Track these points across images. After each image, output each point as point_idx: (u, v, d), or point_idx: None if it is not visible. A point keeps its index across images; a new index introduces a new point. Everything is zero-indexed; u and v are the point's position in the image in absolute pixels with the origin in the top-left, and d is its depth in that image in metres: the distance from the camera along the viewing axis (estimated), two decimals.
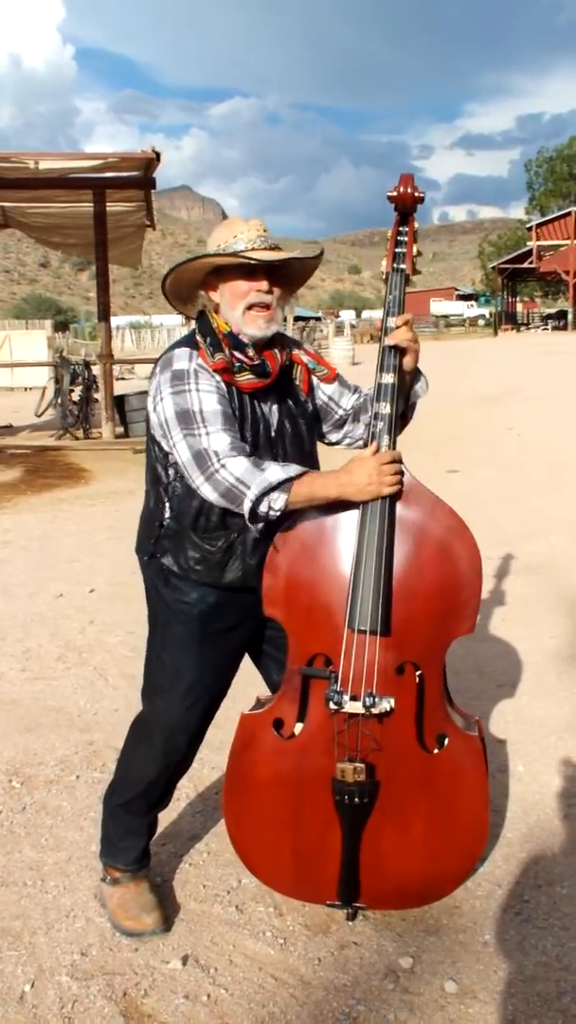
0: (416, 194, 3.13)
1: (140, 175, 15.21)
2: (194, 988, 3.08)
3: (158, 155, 14.17)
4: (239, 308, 3.07)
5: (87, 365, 18.72)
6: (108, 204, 15.94)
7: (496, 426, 16.75)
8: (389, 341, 3.08)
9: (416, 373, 3.25)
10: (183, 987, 3.09)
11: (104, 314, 17.03)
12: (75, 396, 18.02)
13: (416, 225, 3.19)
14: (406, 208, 3.16)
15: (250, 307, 3.07)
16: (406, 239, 3.17)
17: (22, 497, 11.90)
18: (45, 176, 14.62)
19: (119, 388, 18.51)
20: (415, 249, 3.18)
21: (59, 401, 18.29)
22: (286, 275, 3.20)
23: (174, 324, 72.62)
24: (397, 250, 3.18)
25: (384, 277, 3.20)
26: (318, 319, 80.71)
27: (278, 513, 2.97)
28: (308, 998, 3.03)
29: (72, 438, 17.06)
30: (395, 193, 3.13)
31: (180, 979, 3.12)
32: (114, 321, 23.10)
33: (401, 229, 3.18)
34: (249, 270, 3.06)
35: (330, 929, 3.35)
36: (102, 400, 17.02)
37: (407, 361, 3.12)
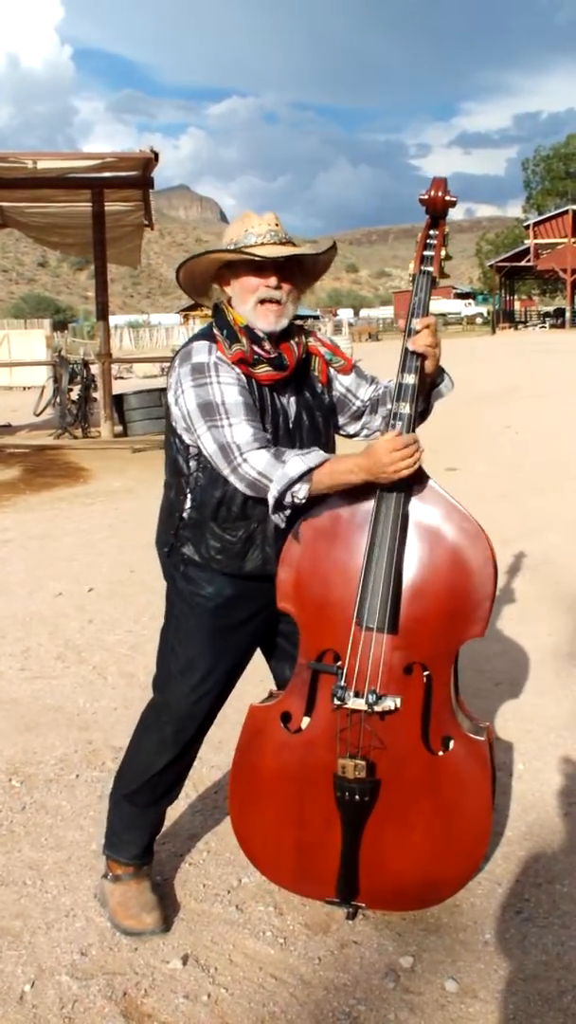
0: (448, 198, 3.11)
1: (138, 175, 15.21)
2: (194, 988, 3.08)
3: (156, 155, 14.16)
4: (249, 303, 3.10)
5: (86, 364, 18.71)
6: (106, 204, 15.93)
7: (494, 424, 16.75)
8: (412, 346, 3.07)
9: (439, 372, 3.25)
10: (183, 987, 3.08)
11: (102, 313, 17.03)
12: (74, 395, 18.01)
13: (447, 230, 3.17)
14: (437, 212, 3.14)
15: (260, 302, 3.09)
16: (435, 242, 3.15)
17: (21, 496, 11.89)
18: (43, 176, 14.62)
19: (118, 387, 18.50)
20: (443, 253, 3.17)
21: (58, 400, 18.27)
22: (299, 270, 3.21)
23: (172, 323, 72.68)
24: (425, 253, 3.16)
25: (411, 278, 3.19)
26: (316, 317, 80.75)
27: (303, 501, 3.00)
28: (308, 998, 3.03)
29: (71, 437, 17.04)
30: (426, 197, 3.11)
31: (180, 979, 3.12)
32: (112, 320, 23.10)
33: (431, 232, 3.16)
34: (258, 266, 3.07)
35: (330, 928, 3.35)
36: (101, 399, 17.01)
37: (427, 365, 3.12)
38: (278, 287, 3.09)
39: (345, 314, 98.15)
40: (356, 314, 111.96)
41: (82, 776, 4.49)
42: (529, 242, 75.11)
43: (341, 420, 3.45)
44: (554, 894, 3.52)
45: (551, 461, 12.81)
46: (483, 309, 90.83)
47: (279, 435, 3.15)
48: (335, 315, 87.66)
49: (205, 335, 3.16)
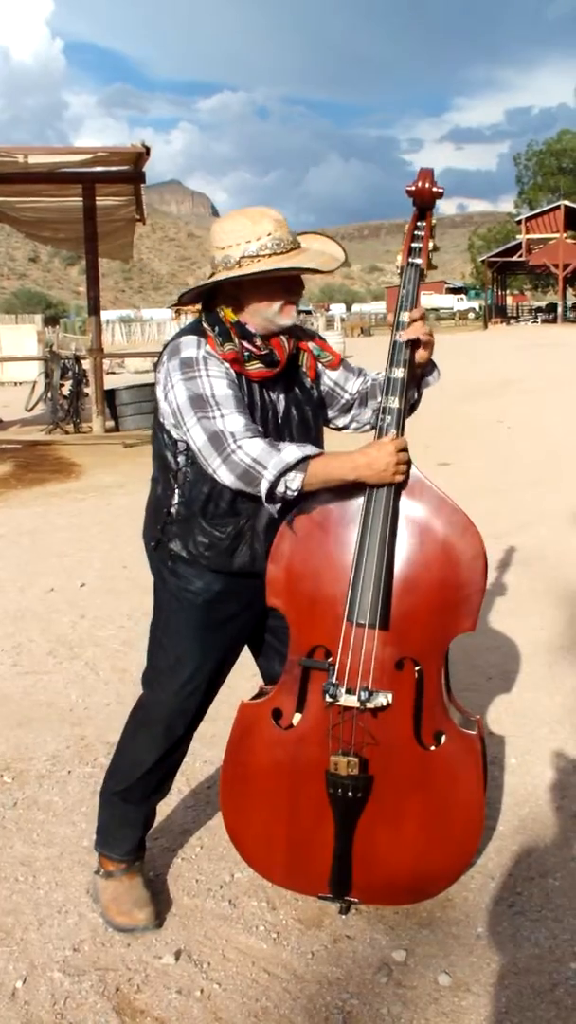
0: (435, 189, 3.10)
1: (130, 169, 15.20)
2: (187, 983, 3.07)
3: (148, 149, 14.15)
4: (275, 307, 3.09)
5: (77, 359, 18.71)
6: (98, 198, 15.92)
7: (486, 419, 16.76)
8: (406, 336, 3.06)
9: (430, 364, 3.25)
10: (176, 982, 3.08)
11: (94, 308, 17.02)
12: (65, 390, 18.00)
13: (434, 220, 3.17)
14: (424, 203, 3.13)
15: (284, 304, 3.10)
16: (423, 234, 3.15)
17: (12, 491, 11.87)
18: (34, 170, 14.59)
19: (109, 382, 18.50)
20: (431, 244, 3.16)
21: (49, 395, 18.27)
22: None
23: (164, 318, 72.49)
24: (413, 244, 3.15)
25: (399, 271, 3.18)
26: (308, 312, 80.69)
27: (295, 493, 2.97)
28: (301, 992, 3.03)
29: (62, 432, 17.04)
30: (413, 188, 3.10)
31: (173, 974, 3.12)
32: (104, 315, 23.07)
33: (419, 224, 3.15)
34: (292, 279, 3.09)
35: (323, 923, 3.35)
36: (92, 394, 17.02)
37: (422, 354, 3.12)
38: (301, 290, 3.14)
39: (337, 309, 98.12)
40: (348, 309, 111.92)
41: (74, 772, 4.48)
42: (521, 237, 75.07)
43: (330, 413, 3.45)
44: (546, 888, 3.52)
45: (543, 455, 12.81)
46: (475, 304, 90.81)
47: (267, 430, 3.14)
48: (327, 310, 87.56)
49: (194, 329, 3.14)
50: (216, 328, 3.09)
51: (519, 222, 78.58)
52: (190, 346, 3.08)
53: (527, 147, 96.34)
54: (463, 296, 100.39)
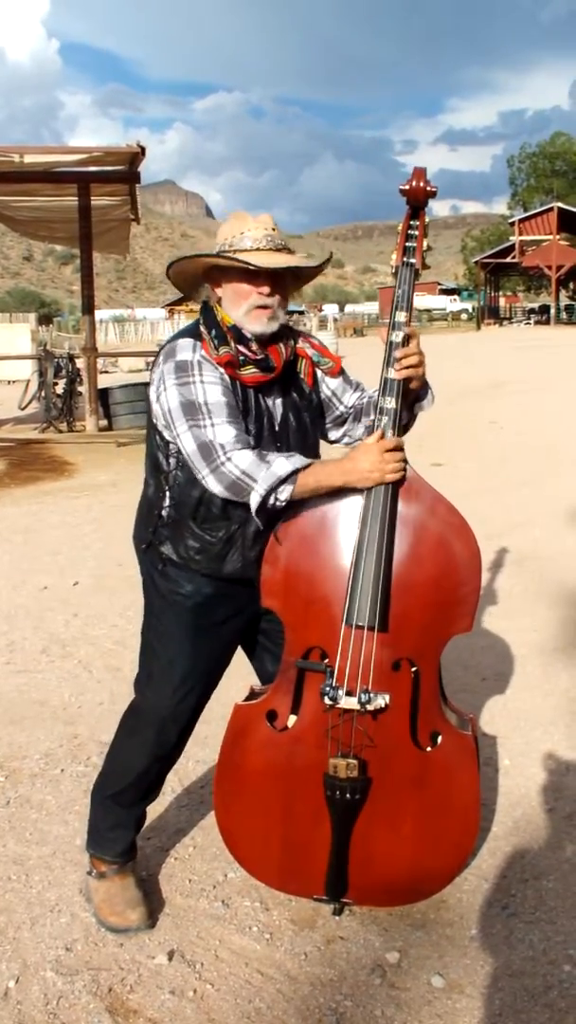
0: (428, 188, 3.10)
1: (125, 169, 15.19)
2: (180, 983, 3.06)
3: (143, 149, 14.14)
4: (242, 308, 3.06)
5: (71, 358, 18.69)
6: (93, 198, 15.91)
7: (479, 420, 16.76)
8: (397, 376, 3.05)
9: (423, 387, 3.23)
10: (169, 982, 3.07)
11: (88, 307, 17.01)
12: (59, 389, 17.99)
13: (427, 220, 3.16)
14: (417, 202, 3.13)
15: (253, 307, 3.06)
16: (416, 233, 3.14)
17: (5, 490, 11.85)
18: (30, 170, 14.56)
19: (103, 381, 18.48)
20: (425, 243, 3.16)
21: (43, 394, 18.24)
22: (290, 277, 3.18)
23: (157, 318, 72.49)
24: (407, 244, 3.14)
25: (393, 271, 3.17)
26: (301, 312, 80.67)
27: (283, 503, 2.97)
28: (295, 993, 3.02)
29: (56, 431, 17.02)
30: (407, 187, 3.10)
31: (166, 974, 3.11)
32: (98, 314, 23.04)
33: (412, 223, 3.15)
34: (251, 273, 3.03)
35: (316, 924, 3.34)
36: (86, 393, 17.01)
37: (413, 386, 3.12)
38: (270, 295, 3.06)
39: (330, 309, 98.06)
40: (341, 310, 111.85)
41: (67, 770, 4.47)
42: (514, 238, 75.15)
43: (325, 424, 3.43)
44: (540, 890, 3.52)
45: (536, 456, 12.82)
46: (468, 305, 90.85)
47: (264, 436, 3.11)
48: (320, 311, 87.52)
49: (191, 332, 3.12)
50: (212, 331, 3.07)
51: (512, 224, 78.68)
52: (185, 349, 3.06)
53: (521, 149, 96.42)
54: (456, 297, 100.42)
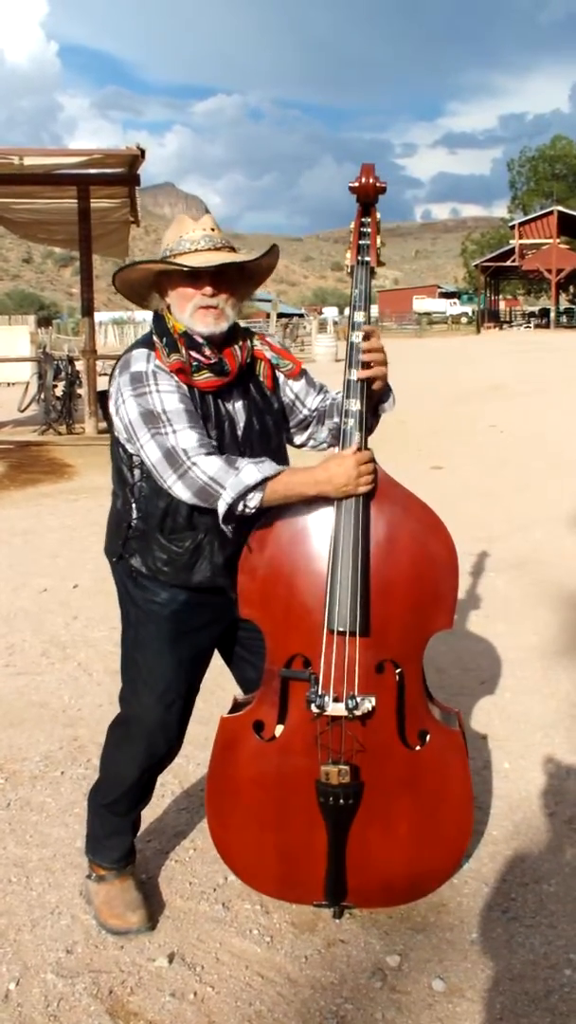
0: (378, 184, 3.07)
1: (125, 171, 15.20)
2: (180, 986, 3.06)
3: (143, 152, 14.14)
4: (187, 310, 3.04)
5: (70, 360, 18.68)
6: (92, 200, 15.91)
7: (479, 423, 16.76)
8: (361, 375, 3.03)
9: (385, 390, 3.21)
10: (169, 985, 3.07)
11: (87, 310, 17.01)
12: (58, 391, 17.97)
13: (378, 216, 3.13)
14: (368, 199, 3.10)
15: (197, 308, 3.03)
16: (369, 231, 3.12)
17: (5, 492, 11.84)
18: (29, 172, 14.57)
19: (102, 383, 18.42)
20: (379, 240, 3.14)
21: (42, 396, 18.24)
22: (238, 276, 3.13)
23: None
24: (361, 242, 3.11)
25: (348, 271, 3.15)
26: (301, 316, 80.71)
27: (252, 511, 2.95)
28: (295, 996, 3.02)
29: (55, 433, 17.00)
30: (356, 184, 3.07)
31: (166, 977, 3.11)
32: (97, 317, 23.02)
33: (364, 220, 3.12)
34: (192, 275, 3.01)
35: (317, 927, 3.34)
36: (85, 395, 17.00)
37: (376, 386, 3.10)
38: (214, 295, 3.02)
39: (330, 312, 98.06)
40: (341, 312, 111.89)
41: (67, 773, 4.47)
42: (514, 242, 75.16)
43: (289, 428, 3.41)
44: (540, 893, 3.52)
45: (536, 459, 12.82)
46: (468, 309, 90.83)
47: (226, 441, 3.09)
48: (320, 313, 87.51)
49: (144, 343, 3.11)
50: (164, 339, 3.05)
51: (512, 227, 78.69)
52: (139, 360, 3.04)
53: (521, 152, 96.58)
54: (456, 300, 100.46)
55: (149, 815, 3.64)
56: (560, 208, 72.91)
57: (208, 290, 3.01)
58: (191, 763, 4.39)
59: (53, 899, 3.53)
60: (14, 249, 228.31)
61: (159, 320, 3.13)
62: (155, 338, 3.08)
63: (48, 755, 4.66)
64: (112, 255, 20.91)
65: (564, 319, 74.79)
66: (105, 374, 28.16)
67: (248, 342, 3.23)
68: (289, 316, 74.77)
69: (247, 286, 3.23)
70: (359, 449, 3.01)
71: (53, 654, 6.06)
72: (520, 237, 74.43)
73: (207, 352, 3.06)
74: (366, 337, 3.04)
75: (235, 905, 3.47)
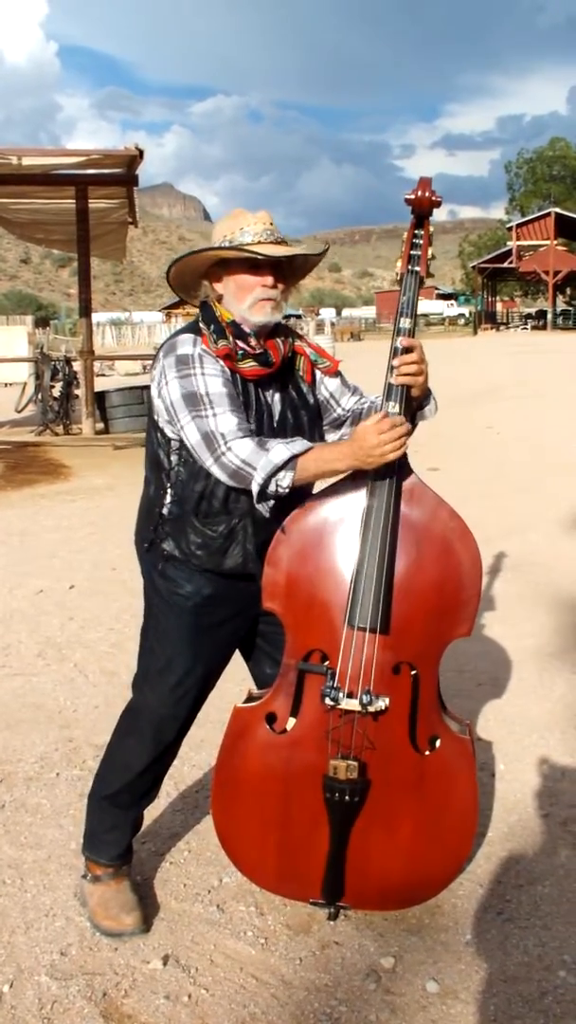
0: (433, 198, 3.11)
1: (123, 172, 15.21)
2: (175, 988, 3.06)
3: (141, 152, 14.16)
4: (247, 301, 3.09)
5: (68, 361, 18.69)
6: (91, 200, 15.91)
7: (476, 425, 16.77)
8: (395, 381, 3.04)
9: (426, 396, 3.22)
10: (164, 987, 3.06)
11: (85, 310, 17.03)
12: (55, 392, 17.98)
13: (431, 229, 3.17)
14: (423, 211, 3.14)
15: (258, 299, 3.09)
16: (422, 242, 3.15)
17: (1, 492, 11.84)
18: (28, 172, 14.57)
19: (99, 384, 18.48)
20: (430, 252, 3.17)
21: (39, 397, 18.25)
22: (290, 269, 3.22)
23: (154, 321, 72.56)
24: (412, 252, 3.15)
25: (398, 279, 3.18)
26: (298, 317, 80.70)
27: (286, 491, 2.97)
28: (289, 998, 3.01)
29: (52, 434, 17.02)
30: (412, 196, 3.11)
31: (161, 979, 3.10)
32: (95, 317, 23.06)
33: (417, 232, 3.16)
34: (254, 264, 3.07)
35: (311, 929, 3.34)
36: (82, 396, 17.00)
37: (414, 393, 3.10)
38: (274, 286, 3.10)
39: (327, 313, 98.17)
40: (338, 314, 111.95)
41: (62, 774, 4.46)
42: (512, 244, 75.34)
43: (322, 426, 3.43)
44: (535, 895, 3.52)
45: (532, 461, 12.84)
46: (465, 310, 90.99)
47: (263, 431, 3.13)
48: (317, 314, 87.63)
49: (191, 328, 3.15)
50: (211, 326, 3.10)
51: (510, 229, 78.86)
52: (186, 344, 3.09)
53: (518, 154, 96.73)
54: (453, 302, 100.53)
55: (144, 816, 3.63)
56: (557, 210, 73.06)
57: (269, 280, 3.09)
58: (186, 765, 4.39)
59: (47, 901, 3.52)
60: (12, 249, 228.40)
61: (206, 308, 3.18)
62: (202, 325, 3.12)
63: (43, 756, 4.65)
64: (110, 256, 20.93)
65: (561, 321, 74.85)
66: (102, 375, 28.22)
67: (290, 337, 3.29)
68: (287, 317, 74.84)
69: (293, 281, 3.31)
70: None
71: (49, 655, 6.06)
72: (517, 239, 74.57)
73: (252, 343, 3.11)
74: (408, 349, 3.04)
75: (230, 907, 3.47)
